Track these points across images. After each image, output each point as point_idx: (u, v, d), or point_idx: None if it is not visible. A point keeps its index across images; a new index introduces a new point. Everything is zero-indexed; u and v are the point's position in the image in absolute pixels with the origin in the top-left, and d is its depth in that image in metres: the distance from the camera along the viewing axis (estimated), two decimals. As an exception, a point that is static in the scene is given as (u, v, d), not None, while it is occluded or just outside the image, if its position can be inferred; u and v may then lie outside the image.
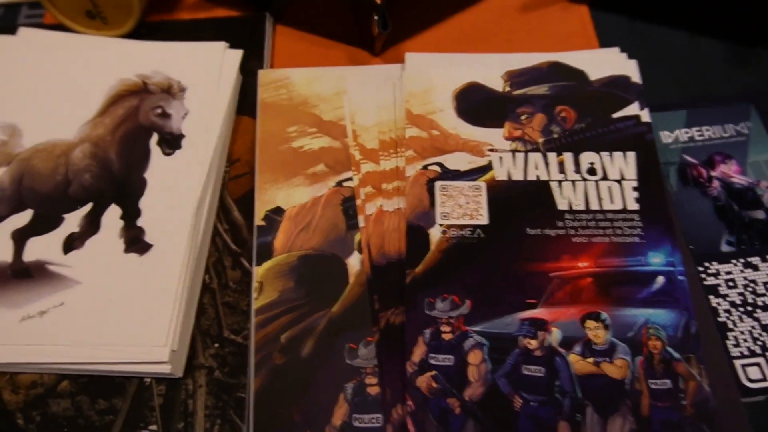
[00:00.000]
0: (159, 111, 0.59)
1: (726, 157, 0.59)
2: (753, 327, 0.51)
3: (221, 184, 0.59)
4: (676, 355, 0.48)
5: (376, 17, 0.61)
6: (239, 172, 0.60)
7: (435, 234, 0.53)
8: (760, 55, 0.66)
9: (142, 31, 0.67)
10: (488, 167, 0.56)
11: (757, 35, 0.67)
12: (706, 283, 0.53)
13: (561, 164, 0.56)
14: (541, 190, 0.55)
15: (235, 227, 0.57)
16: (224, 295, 0.54)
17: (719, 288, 0.53)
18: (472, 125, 0.59)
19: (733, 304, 0.52)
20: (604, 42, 0.67)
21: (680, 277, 0.51)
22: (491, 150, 0.57)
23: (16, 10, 0.72)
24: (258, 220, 0.55)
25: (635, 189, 0.55)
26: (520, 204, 0.55)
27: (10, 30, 0.66)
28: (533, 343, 0.49)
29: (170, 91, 0.61)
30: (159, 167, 0.57)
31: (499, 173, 0.56)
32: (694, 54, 0.66)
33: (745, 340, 0.51)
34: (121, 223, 0.55)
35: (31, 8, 0.72)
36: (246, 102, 0.63)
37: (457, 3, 0.70)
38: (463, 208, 0.54)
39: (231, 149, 0.61)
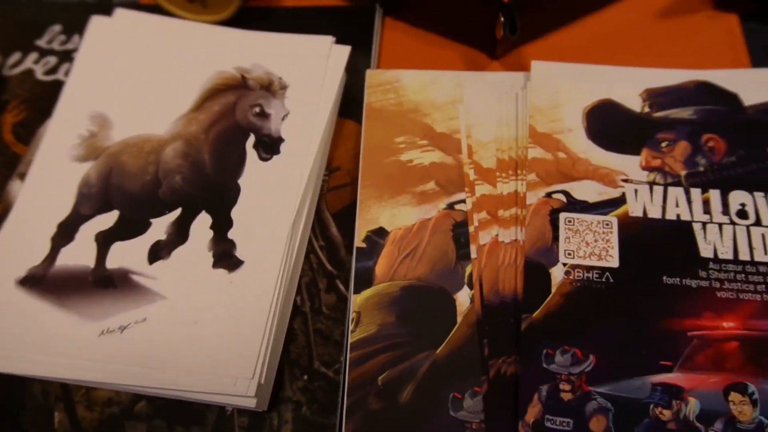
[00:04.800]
0: (257, 110, 0.54)
1: None
2: None
3: (319, 195, 0.54)
4: (840, 446, 0.41)
5: (502, 19, 0.55)
6: (339, 183, 0.55)
7: (557, 274, 0.47)
8: None
9: (242, 18, 0.62)
10: (621, 200, 0.50)
11: None
12: None
13: (706, 203, 0.49)
14: (681, 231, 0.48)
15: (331, 245, 0.52)
16: (316, 321, 0.49)
17: None
18: (605, 150, 0.52)
19: None
20: (757, 60, 0.58)
21: None
22: (625, 180, 0.50)
23: (113, -13, 0.68)
24: (358, 242, 0.50)
25: (795, 239, 0.47)
26: (656, 246, 0.48)
27: (107, 10, 0.62)
28: (666, 414, 0.43)
29: (270, 88, 0.56)
30: (254, 173, 0.53)
31: (634, 208, 0.49)
32: None
33: None
34: (211, 234, 0.50)
35: (128, -14, 0.68)
36: (348, 103, 0.58)
37: (589, 4, 0.63)
38: (591, 246, 0.48)
39: (331, 156, 0.56)
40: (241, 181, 0.52)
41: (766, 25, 0.61)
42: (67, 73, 0.60)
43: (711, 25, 0.62)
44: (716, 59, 0.59)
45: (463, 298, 0.48)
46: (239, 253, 0.49)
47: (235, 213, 0.51)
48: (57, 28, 0.64)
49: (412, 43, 0.63)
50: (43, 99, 0.59)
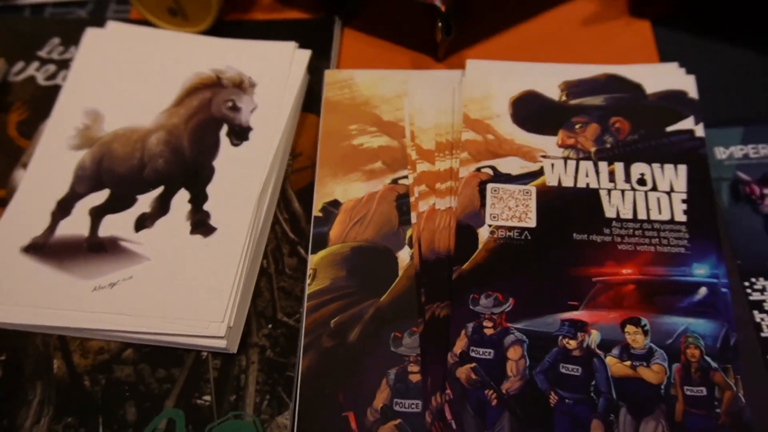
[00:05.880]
0: (230, 104, 0.63)
1: (781, 175, 0.59)
2: (795, 343, 0.52)
3: (284, 176, 0.62)
4: (713, 364, 0.49)
5: (439, 24, 0.64)
6: (301, 166, 0.63)
7: (483, 234, 0.55)
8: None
9: (219, 29, 0.71)
10: (539, 173, 0.58)
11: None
12: (751, 298, 0.54)
13: (611, 173, 0.58)
14: (590, 197, 0.57)
15: (294, 217, 0.60)
16: (280, 280, 0.57)
17: (765, 304, 0.53)
18: (527, 132, 0.60)
19: (777, 319, 0.53)
20: (665, 57, 0.68)
21: (723, 290, 0.52)
22: (544, 156, 0.59)
23: (105, 5, 0.77)
24: (316, 212, 0.58)
25: (684, 201, 0.56)
26: (568, 210, 0.56)
27: (99, 23, 0.71)
28: (572, 344, 0.51)
29: (241, 86, 0.64)
30: (227, 157, 0.61)
31: (550, 179, 0.58)
32: (755, 72, 0.67)
33: (786, 356, 0.51)
34: (189, 206, 0.59)
35: (118, 4, 0.77)
36: (312, 100, 0.67)
37: (520, 13, 0.72)
38: (512, 210, 0.56)
39: (295, 144, 0.64)
40: (215, 163, 0.61)
41: (674, 30, 0.71)
42: (65, 79, 0.69)
43: (626, 31, 0.71)
44: (629, 59, 0.68)
45: (404, 255, 0.56)
46: (213, 222, 0.58)
47: (210, 189, 0.60)
48: (56, 40, 0.73)
49: (367, 48, 0.72)
50: (43, 101, 0.68)
